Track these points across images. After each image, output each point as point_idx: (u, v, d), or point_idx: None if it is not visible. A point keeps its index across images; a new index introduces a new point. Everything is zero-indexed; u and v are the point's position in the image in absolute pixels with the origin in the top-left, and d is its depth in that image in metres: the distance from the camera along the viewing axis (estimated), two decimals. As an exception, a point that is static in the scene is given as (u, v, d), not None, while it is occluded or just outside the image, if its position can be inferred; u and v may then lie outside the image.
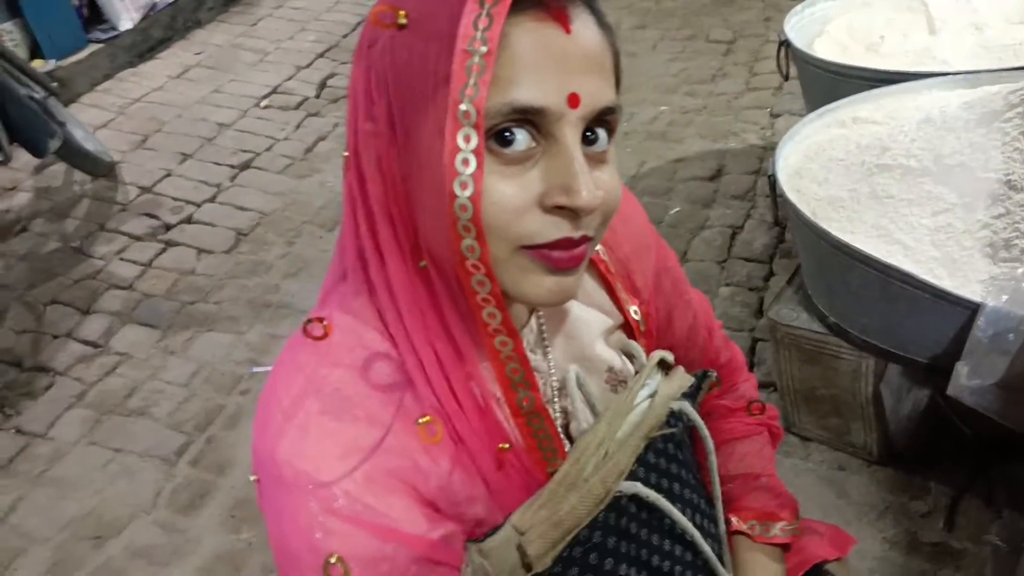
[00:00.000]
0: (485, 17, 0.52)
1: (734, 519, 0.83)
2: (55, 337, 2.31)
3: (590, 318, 0.75)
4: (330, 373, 0.60)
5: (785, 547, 0.84)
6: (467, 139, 0.53)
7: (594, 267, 0.76)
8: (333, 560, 0.58)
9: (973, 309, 1.19)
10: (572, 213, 0.56)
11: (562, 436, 0.69)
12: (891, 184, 1.42)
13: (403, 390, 0.61)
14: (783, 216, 1.84)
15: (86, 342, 2.30)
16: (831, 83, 1.86)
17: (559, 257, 0.58)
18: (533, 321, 0.71)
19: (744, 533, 0.82)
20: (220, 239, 2.65)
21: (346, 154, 0.62)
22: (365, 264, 0.62)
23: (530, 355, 0.70)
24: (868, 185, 1.45)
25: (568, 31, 0.55)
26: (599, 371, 0.74)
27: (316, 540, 0.58)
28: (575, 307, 0.74)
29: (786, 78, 2.17)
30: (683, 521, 0.71)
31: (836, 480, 1.66)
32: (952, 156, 1.38)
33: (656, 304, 0.82)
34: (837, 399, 1.61)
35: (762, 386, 1.89)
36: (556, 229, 0.57)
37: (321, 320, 0.62)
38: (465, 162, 0.53)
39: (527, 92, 0.54)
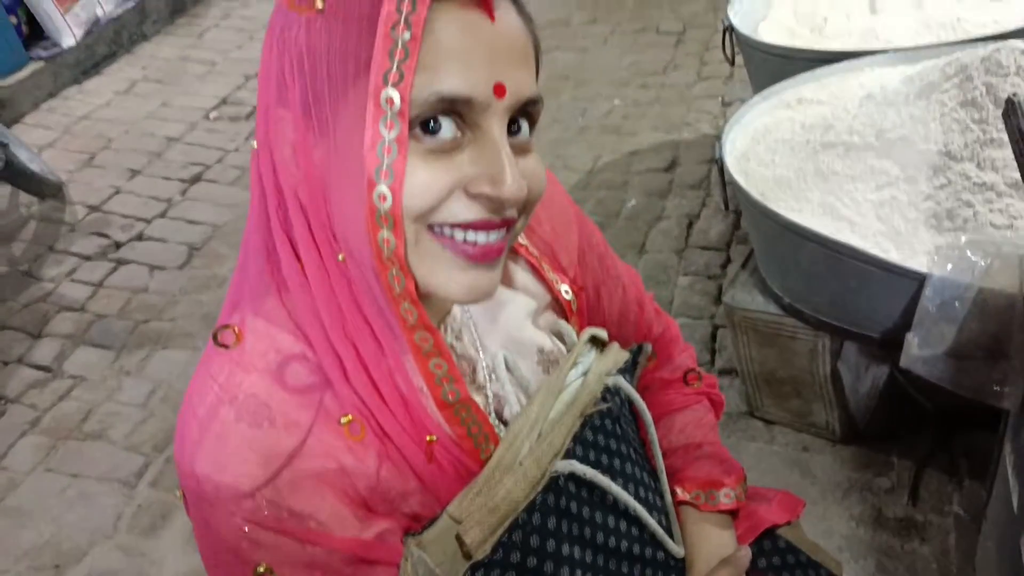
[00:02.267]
0: (408, 2, 0.51)
1: (679, 490, 0.82)
2: (6, 364, 2.25)
3: (517, 301, 0.74)
4: (244, 379, 0.59)
5: (733, 513, 0.84)
6: (389, 126, 0.51)
7: (515, 252, 0.75)
8: (262, 570, 0.57)
9: (920, 280, 1.20)
10: (496, 202, 0.55)
11: (494, 422, 0.68)
12: (835, 161, 1.42)
13: (322, 391, 0.60)
14: (733, 201, 1.84)
15: (38, 367, 2.24)
16: (777, 66, 1.86)
17: (475, 252, 0.57)
18: (458, 308, 0.70)
19: (690, 503, 0.82)
20: (172, 255, 2.60)
21: (255, 145, 0.59)
22: (275, 261, 0.60)
23: (456, 343, 0.69)
24: (813, 164, 1.45)
25: (493, 19, 0.54)
26: (530, 354, 0.73)
27: (243, 551, 0.57)
28: (501, 291, 0.72)
29: (732, 63, 2.18)
30: (624, 496, 0.71)
31: (801, 461, 1.66)
32: (893, 130, 1.39)
33: (584, 282, 0.81)
34: (797, 380, 1.61)
35: (724, 372, 1.89)
36: (475, 212, 0.56)
37: (231, 327, 0.60)
38: (387, 150, 0.52)
39: (454, 81, 0.53)
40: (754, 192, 1.43)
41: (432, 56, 0.52)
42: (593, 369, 0.73)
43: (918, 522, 1.51)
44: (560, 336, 0.76)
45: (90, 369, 2.22)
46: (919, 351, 1.20)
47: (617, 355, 0.76)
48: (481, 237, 0.57)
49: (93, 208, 2.81)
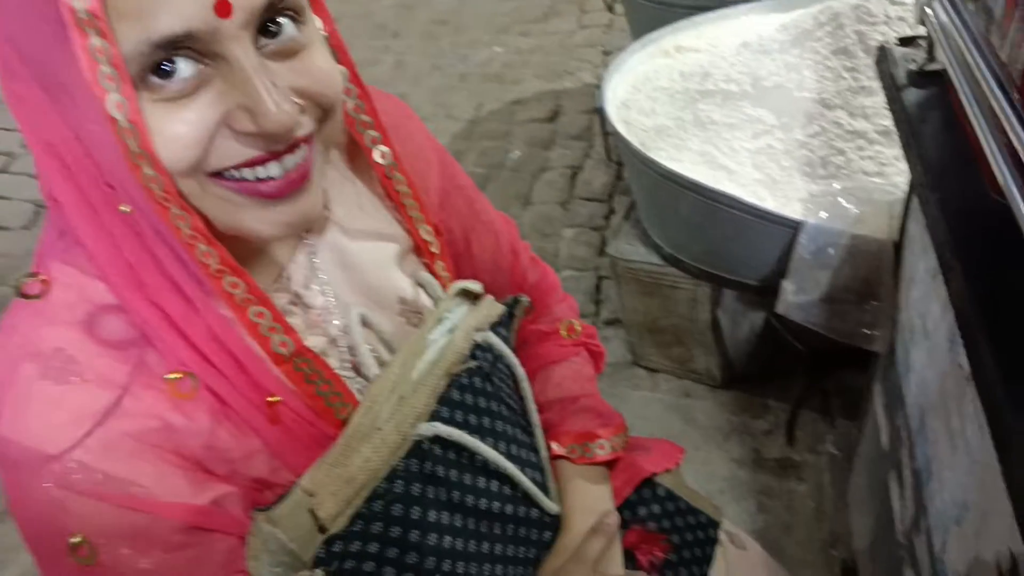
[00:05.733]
0: None
1: (555, 445, 0.79)
2: None
3: (372, 247, 0.67)
4: (49, 332, 0.52)
5: (610, 465, 0.82)
6: (110, 81, 0.44)
7: (377, 182, 0.68)
8: (77, 540, 0.51)
9: (795, 227, 1.21)
10: (266, 136, 0.48)
11: (350, 377, 0.63)
12: (713, 110, 1.42)
13: (142, 346, 0.53)
14: (615, 151, 1.83)
15: None
16: (655, 14, 1.85)
17: (272, 189, 0.50)
18: (301, 254, 0.63)
19: (565, 457, 0.79)
20: (17, 213, 2.39)
21: None
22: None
23: (304, 292, 0.62)
24: (692, 112, 1.44)
25: None
26: (390, 303, 0.67)
27: (55, 520, 0.51)
28: (352, 239, 0.66)
29: (611, 10, 2.15)
30: (493, 455, 0.67)
31: (682, 407, 1.69)
32: (769, 78, 1.39)
33: (449, 226, 0.75)
34: (678, 328, 1.63)
35: (608, 323, 1.90)
36: (250, 150, 0.49)
37: (37, 275, 0.52)
38: (118, 106, 0.44)
39: (161, 21, 0.44)
40: (634, 141, 1.41)
41: None
42: (462, 325, 0.68)
43: (795, 462, 1.56)
44: (423, 286, 0.70)
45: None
46: (794, 297, 1.22)
47: (490, 309, 0.71)
48: (274, 169, 0.50)
49: (-79, 165, 2.54)
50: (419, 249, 0.71)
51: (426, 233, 0.70)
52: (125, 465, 0.52)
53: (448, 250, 0.73)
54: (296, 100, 0.49)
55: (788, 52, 1.42)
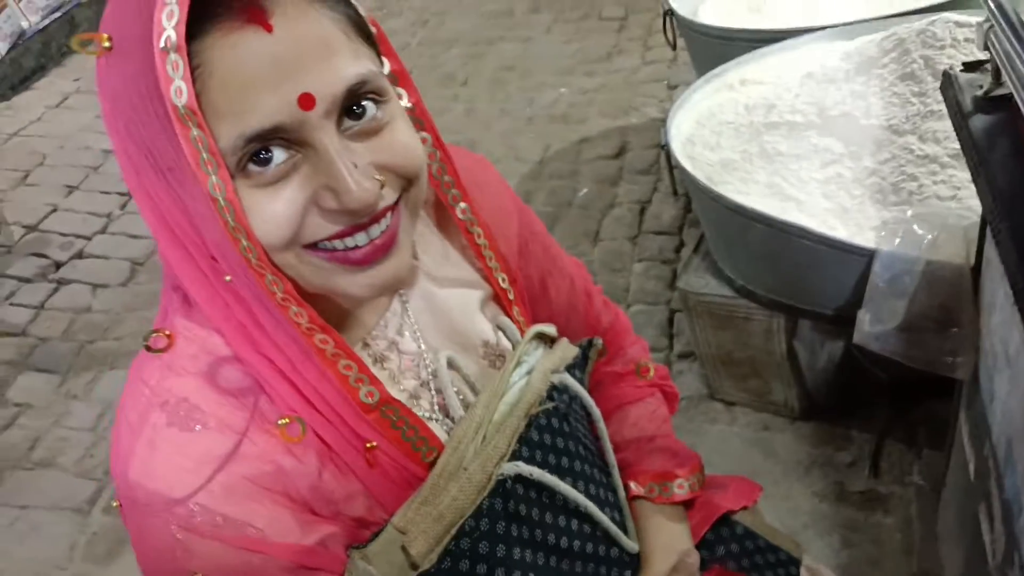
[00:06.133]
0: (173, 45, 0.47)
1: (632, 484, 0.80)
2: (-54, 395, 2.16)
3: (458, 293, 0.71)
4: (175, 383, 0.57)
5: (688, 505, 0.83)
6: (210, 168, 0.49)
7: (460, 235, 0.72)
8: None
9: (869, 256, 1.20)
10: (349, 213, 0.53)
11: (438, 420, 0.66)
12: (780, 141, 1.42)
13: (257, 393, 0.58)
14: (681, 185, 1.84)
15: (-20, 397, 2.16)
16: (718, 48, 1.86)
17: (360, 256, 0.55)
18: (396, 303, 0.68)
19: (644, 497, 0.80)
20: (115, 271, 2.52)
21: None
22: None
23: (399, 338, 0.67)
24: (758, 145, 1.45)
25: (269, 29, 0.49)
26: (474, 347, 0.71)
27: (178, 560, 0.56)
28: (440, 282, 0.70)
29: (674, 47, 2.17)
30: (574, 494, 0.69)
31: (762, 441, 1.66)
32: (835, 107, 1.39)
33: (528, 273, 0.79)
34: (754, 360, 1.62)
35: (682, 356, 1.89)
36: (337, 224, 0.53)
37: (162, 331, 0.58)
38: (217, 187, 0.49)
39: (252, 118, 0.49)
40: (700, 176, 1.42)
41: (222, 98, 0.48)
42: (538, 367, 0.71)
43: (880, 494, 1.52)
44: (503, 330, 0.74)
45: (35, 395, 2.14)
46: (871, 327, 1.20)
47: (565, 351, 0.74)
48: (361, 239, 0.54)
49: (30, 228, 2.71)
50: (497, 296, 0.74)
51: (503, 281, 0.73)
52: (242, 508, 0.56)
53: (524, 296, 0.77)
54: (377, 177, 0.53)
55: (853, 80, 1.42)
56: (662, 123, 2.83)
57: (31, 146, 3.13)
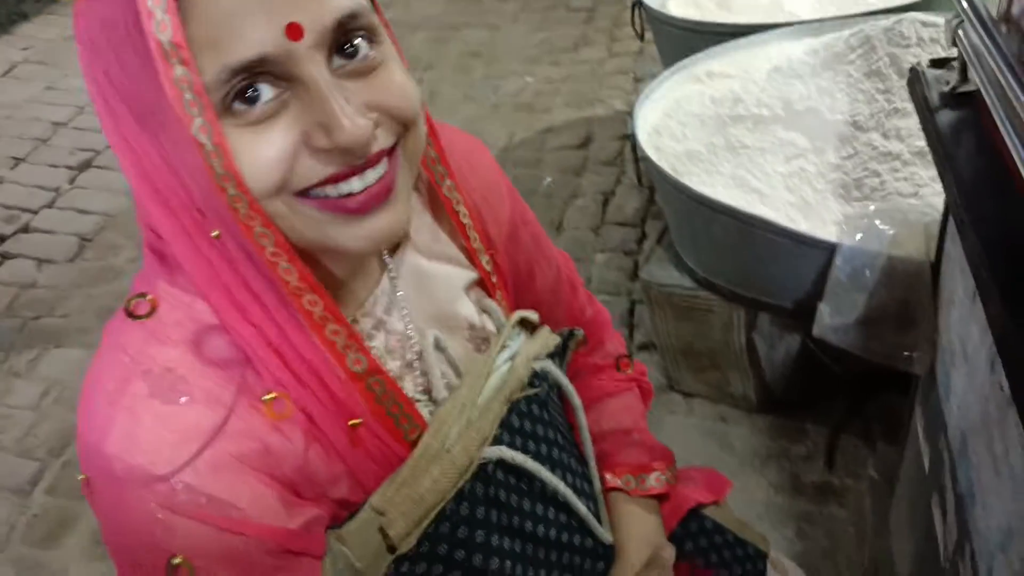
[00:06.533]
0: None
1: (608, 476, 0.80)
2: None
3: (447, 272, 0.69)
4: (159, 351, 0.53)
5: (661, 498, 0.83)
6: (193, 108, 0.46)
7: (448, 216, 0.70)
8: (177, 561, 0.52)
9: (830, 250, 1.20)
10: (343, 152, 0.50)
11: (419, 398, 0.65)
12: (745, 134, 1.43)
13: (243, 366, 0.54)
14: (646, 176, 1.84)
15: (-84, 372, 2.07)
16: (685, 41, 1.86)
17: (356, 204, 0.52)
18: (386, 281, 0.65)
19: (619, 489, 0.80)
20: (62, 247, 2.45)
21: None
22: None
23: (387, 318, 0.64)
24: (723, 137, 1.45)
25: None
26: (460, 329, 0.69)
27: (156, 540, 0.52)
28: (430, 263, 0.68)
29: (641, 38, 2.17)
30: (554, 481, 0.68)
31: (718, 432, 1.67)
32: (801, 102, 1.39)
33: (515, 259, 0.77)
34: (713, 352, 1.62)
35: (642, 347, 1.89)
36: (330, 166, 0.50)
37: (145, 295, 0.54)
38: (203, 130, 0.46)
39: (237, 49, 0.46)
40: (666, 166, 1.42)
41: (205, 28, 0.46)
42: (521, 353, 0.69)
43: (835, 487, 1.54)
44: (487, 313, 0.72)
45: (-25, 372, 2.07)
46: (830, 320, 1.21)
47: (547, 338, 0.72)
48: (355, 184, 0.51)
49: (-27, 199, 2.62)
50: (481, 279, 0.72)
51: (487, 264, 0.72)
52: (228, 487, 0.53)
53: (506, 280, 0.75)
54: (371, 115, 0.51)
55: (820, 76, 1.43)
56: (627, 115, 2.82)
57: (-24, 116, 3.03)
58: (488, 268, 0.72)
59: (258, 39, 0.46)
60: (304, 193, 0.51)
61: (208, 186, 0.48)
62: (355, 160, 0.50)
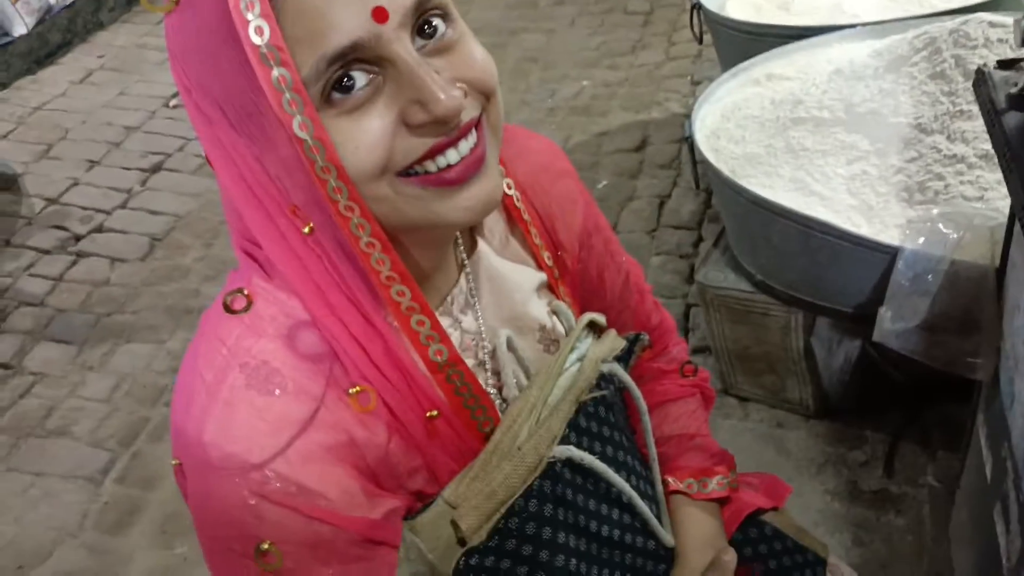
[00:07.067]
0: None
1: (671, 479, 0.81)
2: (-37, 361, 2.19)
3: (519, 274, 0.71)
4: (254, 344, 0.56)
5: (722, 501, 0.83)
6: (293, 106, 0.49)
7: (512, 217, 0.72)
8: (266, 546, 0.54)
9: (892, 254, 1.19)
10: (440, 122, 0.52)
11: (492, 394, 0.66)
12: (806, 137, 1.42)
13: (332, 360, 0.57)
14: (704, 179, 1.83)
15: (-3, 364, 2.18)
16: (745, 43, 1.85)
17: (455, 174, 0.54)
18: (463, 281, 0.67)
19: (681, 492, 0.81)
20: (134, 246, 2.54)
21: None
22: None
23: (461, 316, 0.67)
24: (783, 140, 1.44)
25: None
26: (531, 330, 0.71)
27: (247, 525, 0.54)
28: (503, 264, 0.70)
29: (700, 41, 2.16)
30: (620, 482, 0.69)
31: (775, 437, 1.66)
32: (863, 104, 1.38)
33: (587, 264, 0.79)
34: (770, 356, 1.61)
35: (697, 351, 1.89)
36: (428, 141, 0.53)
37: (242, 290, 0.57)
38: (303, 126, 0.49)
39: (331, 38, 0.49)
40: (724, 169, 1.41)
41: (300, 24, 0.49)
42: (589, 354, 0.70)
43: (893, 494, 1.51)
44: (557, 314, 0.74)
45: (51, 365, 2.16)
46: (892, 325, 1.19)
47: (614, 341, 0.74)
48: (452, 156, 0.54)
49: (51, 200, 2.73)
50: (549, 280, 0.74)
51: (548, 259, 0.73)
52: (317, 477, 0.55)
53: (575, 280, 0.77)
54: (460, 86, 0.53)
55: (882, 78, 1.41)
56: (684, 118, 2.82)
57: (54, 120, 3.15)
58: (550, 263, 0.73)
59: (349, 26, 0.49)
60: (405, 173, 0.54)
61: (306, 181, 0.51)
62: (450, 131, 0.53)
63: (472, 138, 0.55)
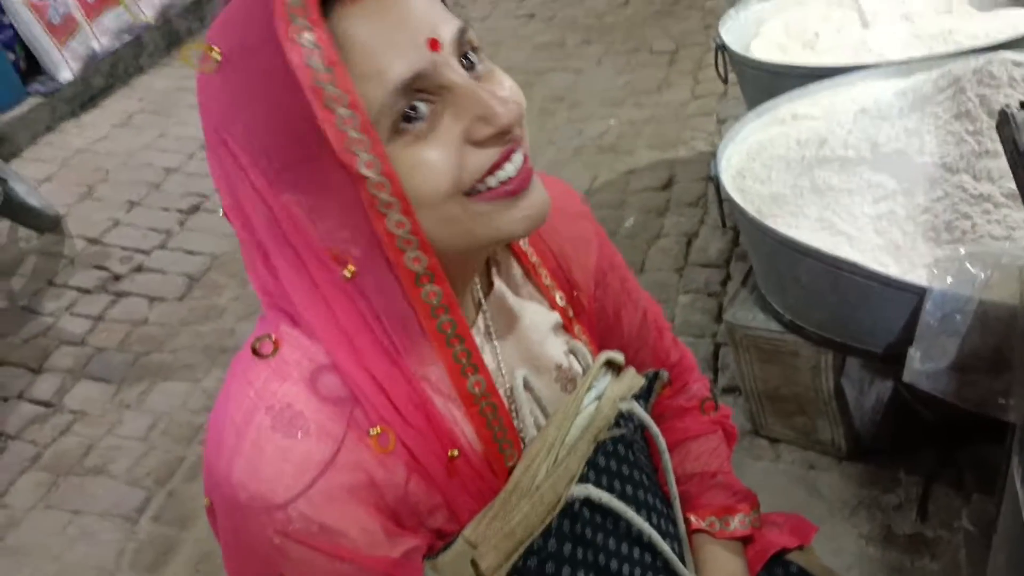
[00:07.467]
0: (306, 30, 0.50)
1: (692, 517, 0.81)
2: (5, 399, 2.24)
3: (536, 315, 0.73)
4: (280, 387, 0.58)
5: (746, 540, 0.83)
6: (360, 146, 0.51)
7: (521, 261, 0.74)
8: None
9: (920, 294, 1.19)
10: (503, 132, 0.56)
11: (517, 427, 0.67)
12: (831, 176, 1.42)
13: (353, 402, 0.59)
14: (730, 218, 1.84)
15: (38, 402, 2.23)
16: (769, 83, 1.86)
17: (514, 185, 0.58)
18: (480, 320, 0.69)
19: (704, 530, 0.81)
20: (172, 286, 2.60)
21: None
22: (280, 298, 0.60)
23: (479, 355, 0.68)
24: (809, 179, 1.45)
25: None
26: (548, 370, 0.72)
27: (273, 564, 0.57)
28: (520, 304, 0.72)
29: (725, 81, 2.18)
30: (639, 522, 0.70)
31: (807, 479, 1.64)
32: (888, 144, 1.38)
33: (603, 303, 0.80)
34: (800, 397, 1.60)
35: (727, 391, 1.88)
36: (489, 157, 0.57)
37: (269, 335, 0.59)
38: (369, 164, 0.52)
39: (396, 68, 0.52)
40: (750, 209, 1.42)
41: (364, 63, 0.52)
42: (607, 393, 0.72)
43: (928, 538, 1.49)
44: (574, 354, 0.75)
45: (91, 403, 2.21)
46: (922, 365, 1.18)
47: (632, 380, 0.75)
48: (509, 169, 0.58)
49: (92, 241, 2.81)
50: (563, 320, 0.76)
51: (560, 299, 0.75)
52: (338, 517, 0.57)
53: (591, 319, 0.78)
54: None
55: (907, 117, 1.41)
56: (711, 156, 2.83)
57: (96, 162, 3.26)
58: (562, 303, 0.75)
59: (410, 58, 0.53)
60: (472, 192, 0.57)
61: (359, 220, 0.53)
62: (509, 140, 0.57)
63: (521, 151, 0.59)
